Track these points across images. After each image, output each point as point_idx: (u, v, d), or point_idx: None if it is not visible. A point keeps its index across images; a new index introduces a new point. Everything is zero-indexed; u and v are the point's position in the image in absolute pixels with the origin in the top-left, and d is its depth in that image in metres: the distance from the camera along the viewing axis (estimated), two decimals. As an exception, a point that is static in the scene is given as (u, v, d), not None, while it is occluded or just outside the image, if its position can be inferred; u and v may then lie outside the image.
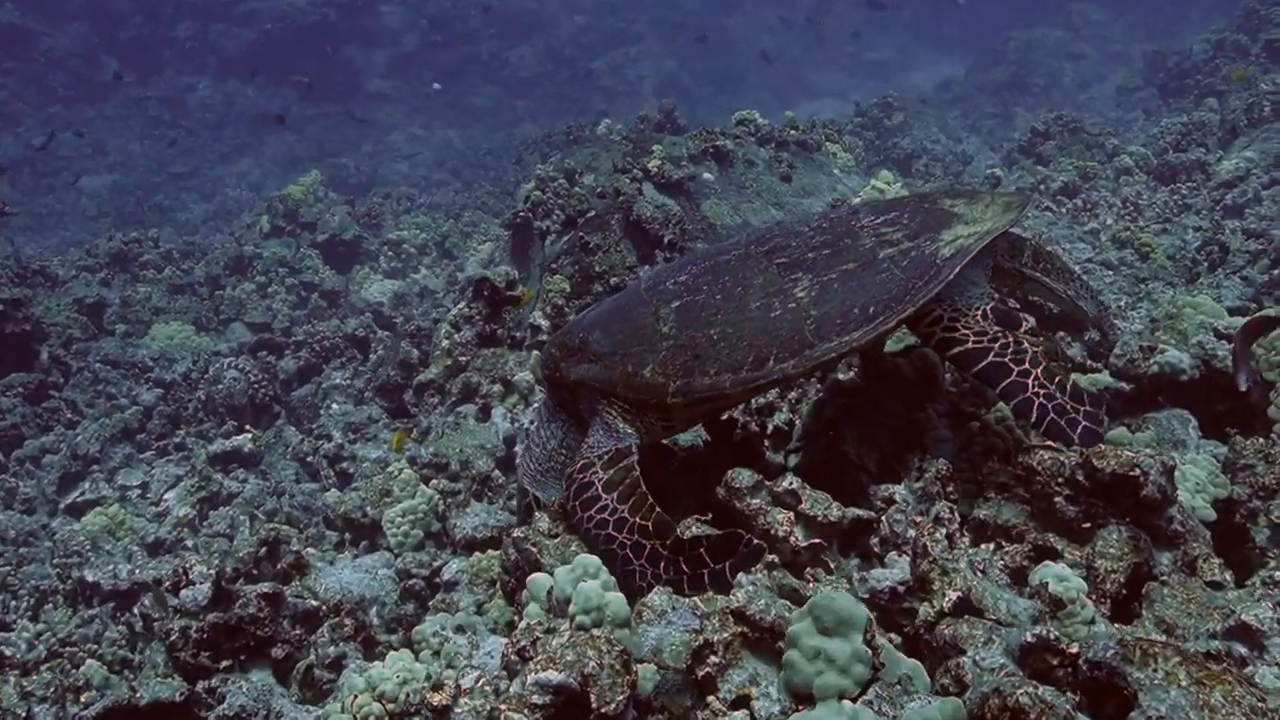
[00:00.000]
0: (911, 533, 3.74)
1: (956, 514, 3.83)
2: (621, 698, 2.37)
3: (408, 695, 3.42)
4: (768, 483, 3.90)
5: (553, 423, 4.49)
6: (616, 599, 2.79)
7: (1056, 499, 3.74)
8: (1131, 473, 3.57)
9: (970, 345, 3.91)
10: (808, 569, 3.67)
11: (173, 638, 4.43)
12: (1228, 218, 8.48)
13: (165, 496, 7.41)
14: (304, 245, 13.60)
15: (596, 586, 2.78)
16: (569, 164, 9.24)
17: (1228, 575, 3.63)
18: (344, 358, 9.64)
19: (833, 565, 3.75)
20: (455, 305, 8.55)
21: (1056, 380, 3.82)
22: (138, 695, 4.10)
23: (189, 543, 6.56)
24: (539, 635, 2.61)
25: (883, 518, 3.78)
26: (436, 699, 2.32)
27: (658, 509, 3.75)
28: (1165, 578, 3.51)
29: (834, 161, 10.09)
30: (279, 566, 5.20)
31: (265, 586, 4.63)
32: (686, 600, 3.22)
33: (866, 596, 3.52)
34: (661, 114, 13.20)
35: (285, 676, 4.61)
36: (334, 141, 27.06)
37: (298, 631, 4.70)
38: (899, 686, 2.28)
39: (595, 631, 2.57)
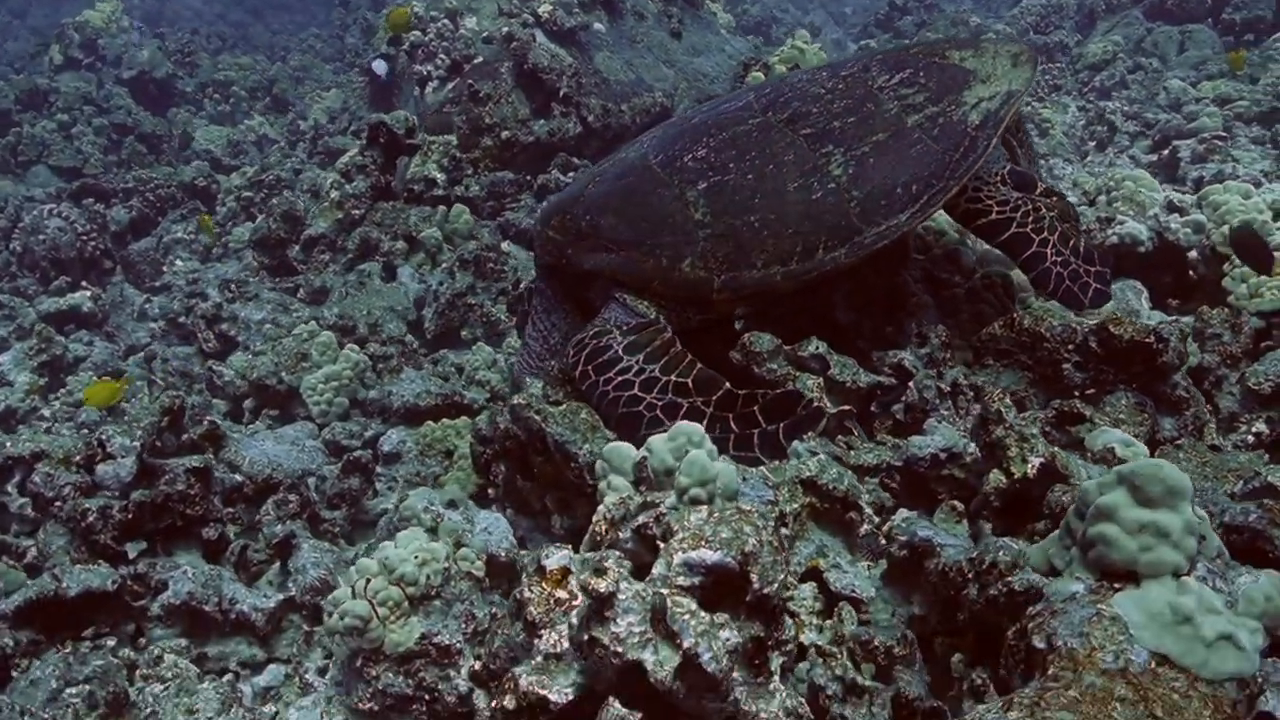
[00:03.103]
0: (937, 400, 3.67)
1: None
2: (782, 577, 2.14)
3: (428, 577, 3.09)
4: (786, 347, 3.71)
5: (554, 313, 4.10)
6: (726, 470, 2.54)
7: (1064, 365, 3.73)
8: (1148, 339, 3.58)
9: (995, 216, 3.90)
10: (838, 436, 3.53)
11: (90, 519, 3.85)
12: (1100, 99, 8.77)
13: (-1, 360, 6.45)
14: (107, 82, 12.02)
15: (704, 455, 2.51)
16: (449, 4, 8.43)
17: (1220, 439, 3.76)
18: (184, 209, 8.65)
19: (855, 432, 3.63)
20: (313, 153, 7.77)
21: (1071, 244, 3.89)
22: (64, 586, 3.53)
23: (45, 412, 5.74)
24: (661, 511, 2.33)
25: (910, 383, 3.68)
26: (602, 585, 2.01)
27: (699, 364, 3.50)
28: (1178, 441, 3.59)
29: (717, 21, 9.72)
30: (185, 438, 4.58)
31: (194, 460, 4.08)
32: (755, 471, 3.02)
33: (901, 464, 3.42)
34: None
35: (215, 559, 4.13)
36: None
37: (228, 510, 4.20)
38: (1220, 560, 2.16)
39: (742, 505, 2.31)
